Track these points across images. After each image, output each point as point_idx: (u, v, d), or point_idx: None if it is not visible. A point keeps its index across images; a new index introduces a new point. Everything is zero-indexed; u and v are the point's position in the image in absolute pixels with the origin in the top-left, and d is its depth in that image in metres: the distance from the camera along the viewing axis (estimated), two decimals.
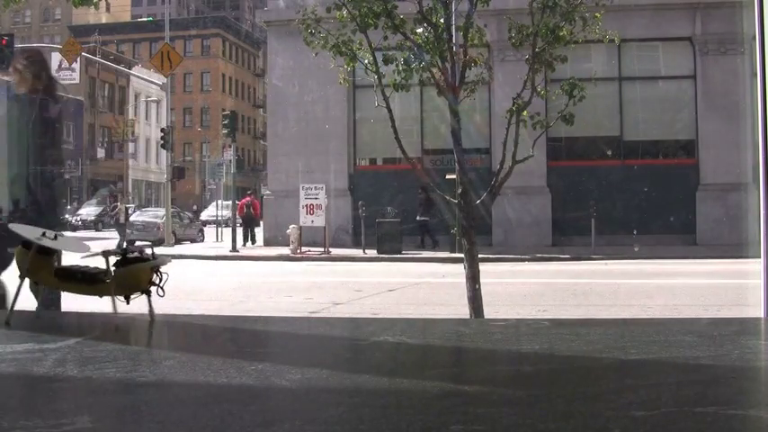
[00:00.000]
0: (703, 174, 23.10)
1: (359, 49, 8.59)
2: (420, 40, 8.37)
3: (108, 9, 76.64)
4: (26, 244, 6.07)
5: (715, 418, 3.31)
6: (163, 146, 28.87)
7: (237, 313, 10.21)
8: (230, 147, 28.18)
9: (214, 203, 45.77)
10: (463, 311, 8.75)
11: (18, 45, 35.39)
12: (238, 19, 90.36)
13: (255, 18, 78.05)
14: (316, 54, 8.94)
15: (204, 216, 39.05)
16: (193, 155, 67.72)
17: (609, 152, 23.65)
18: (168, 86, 30.08)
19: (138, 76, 51.18)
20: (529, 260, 20.02)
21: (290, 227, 22.14)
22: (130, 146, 61.30)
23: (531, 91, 8.45)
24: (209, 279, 16.93)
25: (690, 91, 23.60)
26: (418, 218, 22.93)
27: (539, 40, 8.31)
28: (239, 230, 28.41)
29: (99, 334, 5.67)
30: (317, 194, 22.52)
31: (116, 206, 27.58)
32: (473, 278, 8.38)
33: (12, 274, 6.30)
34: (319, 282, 15.55)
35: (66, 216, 42.22)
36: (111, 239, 25.29)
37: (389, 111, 8.69)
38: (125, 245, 20.21)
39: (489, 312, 8.72)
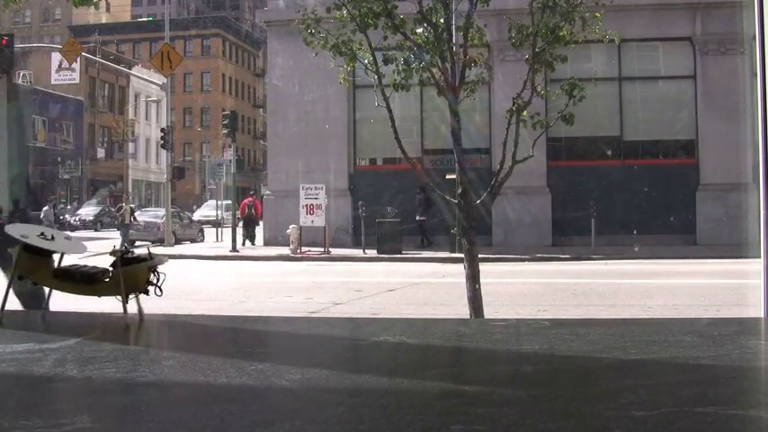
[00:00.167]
0: (703, 174, 23.09)
1: (359, 49, 8.59)
2: (420, 40, 8.37)
3: (108, 9, 76.62)
4: (26, 245, 6.07)
5: (715, 418, 3.31)
6: (163, 146, 28.85)
7: (237, 313, 10.21)
8: (230, 147, 28.17)
9: (207, 204, 45.62)
10: (463, 311, 8.75)
11: (18, 45, 35.41)
12: (238, 19, 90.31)
13: (255, 18, 78.08)
14: (316, 54, 8.94)
15: (197, 216, 38.56)
16: (193, 155, 67.69)
17: (609, 152, 23.64)
18: (168, 86, 30.06)
19: (138, 76, 51.10)
20: (529, 260, 20.02)
21: (290, 227, 22.14)
22: (130, 146, 61.27)
23: (531, 91, 8.45)
24: (209, 279, 16.94)
25: (690, 91, 23.59)
26: (417, 218, 22.94)
27: (539, 40, 8.31)
28: (240, 230, 28.46)
29: (99, 334, 5.67)
30: (317, 194, 22.52)
31: (121, 206, 27.56)
32: (473, 278, 8.38)
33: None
34: (319, 282, 15.55)
35: (66, 216, 42.26)
36: (109, 239, 25.27)
37: (389, 111, 8.69)
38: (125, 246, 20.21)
39: (489, 312, 8.72)
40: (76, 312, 7.22)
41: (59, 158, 51.96)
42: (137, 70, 54.47)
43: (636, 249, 19.68)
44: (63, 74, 42.55)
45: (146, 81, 46.98)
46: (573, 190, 22.91)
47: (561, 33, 8.31)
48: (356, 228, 23.30)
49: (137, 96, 61.16)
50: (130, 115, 61.16)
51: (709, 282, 14.48)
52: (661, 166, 23.76)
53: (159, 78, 34.50)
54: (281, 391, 3.94)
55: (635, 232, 21.10)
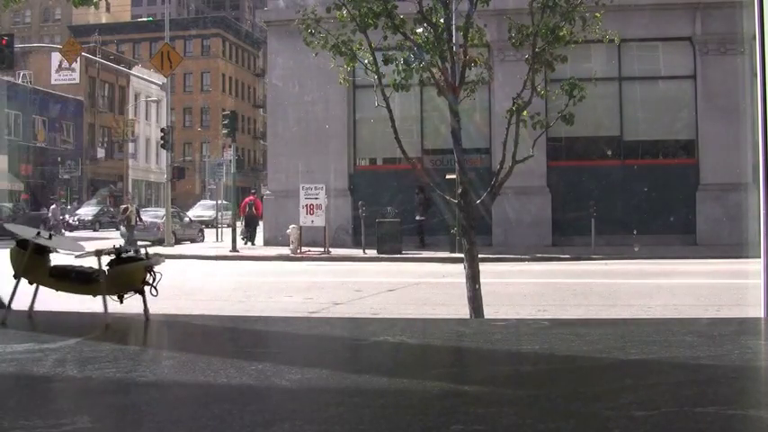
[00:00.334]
0: (703, 174, 23.09)
1: (359, 49, 8.59)
2: (420, 40, 8.37)
3: (108, 9, 76.62)
4: (21, 244, 6.09)
5: (715, 418, 3.32)
6: (163, 146, 28.85)
7: (237, 313, 10.21)
8: (230, 147, 28.17)
9: (201, 203, 45.43)
10: (463, 311, 8.75)
11: (18, 45, 35.42)
12: (238, 19, 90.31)
13: (255, 18, 78.04)
14: (316, 54, 8.94)
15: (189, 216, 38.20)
16: (193, 155, 67.70)
17: (609, 152, 23.63)
18: (168, 86, 30.06)
19: (138, 76, 51.09)
20: (529, 260, 20.01)
21: (290, 227, 22.14)
22: (130, 146, 61.27)
23: (531, 91, 8.45)
24: (209, 279, 16.93)
25: (690, 91, 23.59)
26: (417, 218, 22.96)
27: (539, 40, 8.31)
28: (241, 229, 28.44)
29: (99, 334, 5.67)
30: (317, 194, 22.52)
31: (126, 207, 27.57)
32: (473, 278, 8.38)
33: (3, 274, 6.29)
34: (319, 282, 15.54)
35: (66, 215, 42.24)
36: (108, 240, 25.27)
37: (389, 111, 8.69)
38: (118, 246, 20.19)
39: (489, 312, 8.72)
40: (77, 312, 7.22)
41: (59, 158, 51.98)
42: (137, 70, 54.48)
43: (636, 249, 19.68)
44: (63, 74, 42.65)
45: (146, 81, 46.98)
46: (573, 190, 22.91)
47: (561, 33, 8.31)
48: (356, 228, 23.30)
49: (137, 96, 61.17)
50: (130, 115, 61.17)
51: (709, 282, 14.48)
52: (661, 166, 23.76)
53: (159, 78, 34.49)
54: (281, 391, 3.94)
55: (635, 232, 21.09)
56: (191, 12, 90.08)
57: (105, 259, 6.05)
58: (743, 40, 20.88)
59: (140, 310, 6.12)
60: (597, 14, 8.52)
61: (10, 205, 42.94)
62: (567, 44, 8.46)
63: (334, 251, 22.13)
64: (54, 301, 6.78)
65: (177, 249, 24.89)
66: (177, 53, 28.03)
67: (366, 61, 8.63)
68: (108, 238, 26.98)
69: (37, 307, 6.35)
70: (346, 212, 24.23)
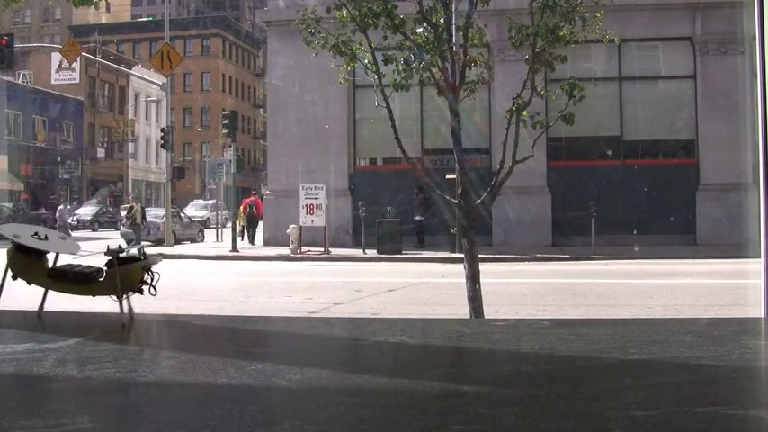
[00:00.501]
0: (703, 174, 23.08)
1: (359, 49, 8.59)
2: (420, 40, 8.37)
3: (108, 9, 76.61)
4: (19, 245, 6.09)
5: (715, 418, 3.31)
6: (163, 146, 28.85)
7: (237, 313, 10.21)
8: (230, 147, 28.17)
9: (193, 203, 45.33)
10: (463, 311, 8.75)
11: (18, 45, 35.43)
12: (238, 19, 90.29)
13: (255, 18, 78.10)
14: (316, 54, 8.94)
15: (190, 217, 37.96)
16: (193, 155, 67.70)
17: (609, 152, 23.62)
18: (168, 86, 30.06)
19: (138, 76, 51.08)
20: (529, 260, 20.01)
21: (290, 227, 22.14)
22: (130, 146, 61.26)
23: (531, 91, 8.45)
24: (209, 279, 16.93)
25: (690, 91, 23.58)
26: (416, 218, 22.97)
27: (539, 40, 8.31)
28: (242, 229, 28.46)
29: (99, 334, 5.67)
30: (317, 194, 22.52)
31: (132, 207, 27.57)
32: (473, 278, 8.38)
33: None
34: (319, 282, 15.54)
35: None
36: (107, 240, 25.27)
37: (389, 111, 8.69)
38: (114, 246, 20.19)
39: (489, 312, 8.72)
40: (77, 312, 7.22)
41: (59, 158, 51.98)
42: (137, 70, 54.48)
43: (636, 249, 19.67)
44: (63, 74, 42.61)
45: (146, 81, 46.98)
46: (573, 190, 22.91)
47: (561, 33, 8.31)
48: (356, 228, 23.30)
49: (137, 96, 61.17)
50: (130, 115, 61.17)
51: (709, 282, 14.48)
52: (661, 166, 23.76)
53: (159, 78, 34.49)
54: (281, 391, 3.94)
55: (635, 232, 21.09)
56: (191, 12, 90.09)
57: (104, 260, 6.05)
58: (743, 40, 20.88)
59: (142, 310, 6.12)
60: (597, 14, 8.52)
61: (10, 205, 42.95)
62: (567, 44, 8.45)
63: (334, 251, 22.13)
64: (54, 301, 6.77)
65: (177, 249, 24.89)
66: (177, 53, 28.02)
67: (366, 61, 8.63)
68: (107, 239, 26.97)
69: (36, 307, 6.35)
70: (346, 212, 24.23)
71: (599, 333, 5.72)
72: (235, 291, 13.91)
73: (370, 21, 8.30)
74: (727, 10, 21.64)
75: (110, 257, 6.01)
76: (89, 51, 46.12)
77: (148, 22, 69.86)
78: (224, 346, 5.71)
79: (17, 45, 31.93)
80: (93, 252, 9.88)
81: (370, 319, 9.35)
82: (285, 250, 22.17)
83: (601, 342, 5.28)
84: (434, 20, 8.34)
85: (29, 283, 6.19)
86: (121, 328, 5.82)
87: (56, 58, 41.39)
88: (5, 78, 45.98)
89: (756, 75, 6.04)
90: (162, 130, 29.85)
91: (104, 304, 6.21)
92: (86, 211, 45.71)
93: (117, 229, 35.49)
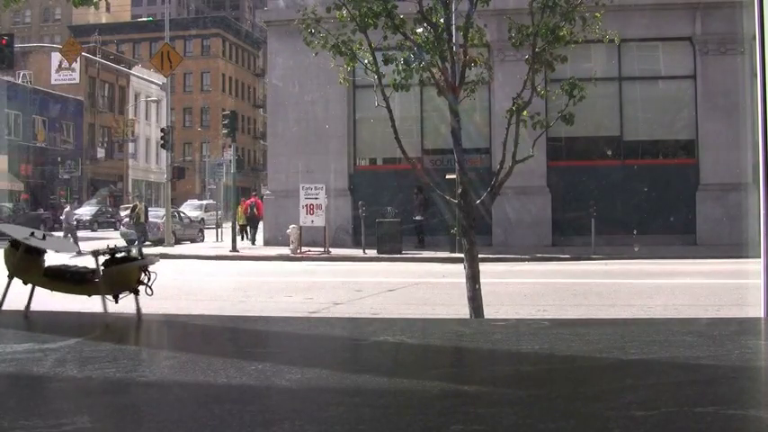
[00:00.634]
0: (703, 174, 23.09)
1: (359, 49, 8.59)
2: (420, 40, 8.37)
3: (108, 9, 76.62)
4: (14, 243, 6.10)
5: (715, 418, 3.31)
6: (163, 146, 28.86)
7: (237, 313, 10.20)
8: (230, 147, 28.17)
9: (187, 203, 45.35)
10: (463, 311, 8.75)
11: (18, 45, 35.43)
12: (238, 19, 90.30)
13: (255, 18, 78.08)
14: (316, 54, 8.94)
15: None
16: (193, 155, 67.71)
17: (609, 152, 23.63)
18: (168, 86, 30.06)
19: (138, 76, 51.09)
20: (529, 260, 20.01)
21: (290, 227, 22.14)
22: (130, 146, 61.27)
23: (531, 91, 8.45)
24: (209, 279, 16.92)
25: (690, 91, 23.58)
26: (415, 218, 22.98)
27: (539, 40, 8.31)
28: (246, 230, 28.48)
29: (99, 334, 5.67)
30: (317, 194, 22.52)
31: (136, 206, 27.58)
32: (473, 278, 8.37)
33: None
34: (319, 282, 15.54)
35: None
36: (107, 239, 25.27)
37: (389, 111, 8.69)
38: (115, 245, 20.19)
39: (489, 312, 8.72)
40: (77, 312, 7.22)
41: (59, 158, 51.98)
42: (137, 70, 54.49)
43: (636, 249, 19.67)
44: (63, 74, 42.63)
45: (146, 81, 46.99)
46: (573, 190, 22.91)
47: (561, 33, 8.31)
48: (356, 228, 23.31)
49: (137, 96, 61.18)
50: (130, 115, 61.18)
51: (709, 282, 14.48)
52: (661, 166, 23.76)
53: (159, 78, 34.50)
54: (281, 391, 3.94)
55: (635, 232, 21.09)
56: (191, 12, 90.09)
57: (102, 259, 6.06)
58: (743, 40, 20.88)
59: (146, 310, 6.12)
60: (597, 14, 8.52)
61: (10, 205, 42.95)
62: (567, 44, 8.45)
63: (334, 251, 22.13)
64: (54, 301, 6.78)
65: (177, 249, 24.89)
66: (177, 53, 28.02)
67: (366, 61, 8.63)
68: (106, 239, 26.97)
69: (36, 307, 6.35)
70: (346, 212, 24.24)
71: (599, 333, 5.72)
72: (235, 291, 13.91)
73: (370, 21, 8.30)
74: (727, 10, 21.64)
75: (107, 257, 6.01)
76: (89, 51, 46.15)
77: (148, 22, 69.88)
78: (224, 346, 5.71)
79: (17, 45, 31.93)
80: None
81: (370, 319, 9.35)
82: (285, 250, 22.18)
83: (601, 342, 5.28)
84: (434, 20, 8.34)
85: (24, 283, 6.19)
86: (124, 329, 5.82)
87: (56, 58, 41.43)
88: (5, 78, 45.98)
89: (756, 75, 6.04)
90: (162, 130, 29.85)
91: (94, 305, 6.21)
92: (85, 211, 45.71)
93: (116, 229, 35.49)
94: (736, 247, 16.76)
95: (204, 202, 43.36)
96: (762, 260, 5.96)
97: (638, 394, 3.76)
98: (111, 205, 50.74)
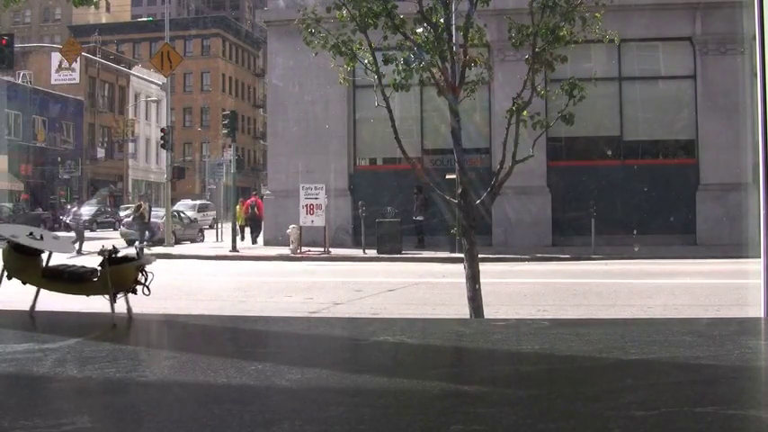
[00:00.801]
0: (703, 174, 23.08)
1: (359, 49, 8.59)
2: (420, 40, 8.37)
3: (108, 9, 76.63)
4: (15, 245, 6.09)
5: (715, 418, 3.31)
6: (163, 146, 28.85)
7: (237, 313, 10.20)
8: (230, 147, 28.17)
9: (180, 203, 45.26)
10: (463, 311, 8.75)
11: (18, 45, 35.44)
12: (238, 19, 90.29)
13: (255, 18, 78.03)
14: (316, 54, 8.94)
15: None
16: (193, 155, 67.71)
17: (609, 152, 23.62)
18: (168, 86, 30.06)
19: (138, 76, 51.11)
20: (529, 260, 20.01)
21: (290, 227, 22.14)
22: (130, 146, 61.27)
23: (531, 91, 8.45)
24: (209, 279, 16.92)
25: (690, 91, 23.58)
26: (415, 218, 22.98)
27: (539, 40, 8.31)
28: (245, 230, 28.48)
29: (99, 334, 5.67)
30: (317, 194, 22.52)
31: (140, 205, 27.59)
32: (473, 278, 8.38)
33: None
34: (319, 282, 15.54)
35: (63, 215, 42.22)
36: (107, 239, 25.27)
37: (389, 111, 8.69)
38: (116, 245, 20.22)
39: (489, 312, 8.72)
40: (77, 312, 7.22)
41: (59, 158, 51.98)
42: (137, 70, 54.49)
43: (636, 249, 19.67)
44: (63, 74, 42.61)
45: (146, 81, 47.00)
46: (573, 190, 22.91)
47: (561, 33, 8.31)
48: (356, 228, 23.30)
49: (137, 96, 61.18)
50: (130, 115, 61.18)
51: (709, 282, 14.48)
52: (661, 166, 23.75)
53: (159, 78, 34.50)
54: (281, 391, 3.94)
55: (635, 232, 21.08)
56: (191, 12, 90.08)
57: (98, 260, 6.06)
58: (743, 40, 20.87)
59: (142, 310, 6.12)
60: (597, 14, 8.52)
61: (10, 205, 42.95)
62: (567, 44, 8.45)
63: (334, 251, 22.13)
64: (54, 301, 6.78)
65: (177, 249, 24.89)
66: (177, 53, 28.02)
67: (366, 61, 8.63)
68: (105, 238, 26.97)
69: (37, 307, 6.35)
70: (346, 212, 24.23)
71: (599, 333, 5.72)
72: (235, 291, 13.91)
73: (370, 21, 8.30)
74: (727, 10, 21.64)
75: (104, 257, 6.01)
76: (89, 51, 46.14)
77: (148, 22, 69.88)
78: (224, 346, 5.71)
79: (17, 45, 31.93)
80: (93, 252, 9.88)
81: (370, 319, 9.35)
82: (285, 250, 22.17)
83: (601, 342, 5.28)
84: (434, 20, 8.34)
85: (23, 283, 6.19)
86: (112, 329, 5.81)
87: (56, 58, 41.41)
88: (5, 78, 45.98)
89: (756, 75, 6.04)
90: (162, 130, 29.84)
91: (104, 304, 6.21)
92: (85, 211, 45.63)
93: (116, 229, 35.48)
94: (736, 247, 16.76)
95: (198, 202, 43.26)
96: (762, 260, 5.96)
97: (638, 394, 3.76)
98: (111, 205, 50.71)
